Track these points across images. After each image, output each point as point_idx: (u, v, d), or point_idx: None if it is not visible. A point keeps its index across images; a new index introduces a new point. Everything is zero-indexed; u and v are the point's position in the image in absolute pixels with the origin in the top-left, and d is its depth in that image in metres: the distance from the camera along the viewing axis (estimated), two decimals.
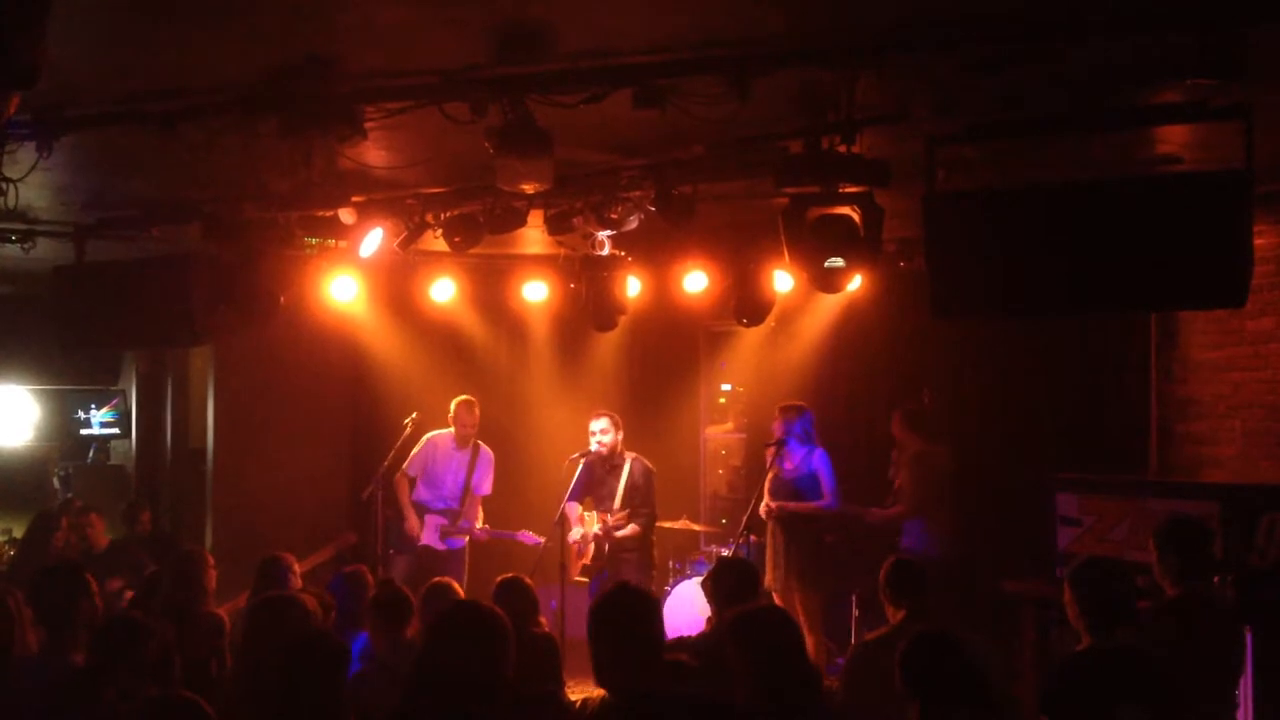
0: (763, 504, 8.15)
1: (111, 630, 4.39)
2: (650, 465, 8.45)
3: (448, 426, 8.72)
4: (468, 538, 8.66)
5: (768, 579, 8.11)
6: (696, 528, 9.56)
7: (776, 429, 8.25)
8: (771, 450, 8.22)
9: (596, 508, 8.41)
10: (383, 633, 5.17)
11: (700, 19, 4.28)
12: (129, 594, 7.17)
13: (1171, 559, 4.78)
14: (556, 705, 4.73)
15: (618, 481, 8.30)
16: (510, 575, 5.47)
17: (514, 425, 10.02)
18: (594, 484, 8.42)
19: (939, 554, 7.59)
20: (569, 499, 8.31)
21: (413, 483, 8.72)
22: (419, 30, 4.32)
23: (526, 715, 4.24)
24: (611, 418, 8.35)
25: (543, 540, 8.06)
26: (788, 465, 8.19)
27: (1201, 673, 4.54)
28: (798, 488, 8.11)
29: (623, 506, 8.24)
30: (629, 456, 8.37)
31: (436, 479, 8.72)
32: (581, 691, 5.24)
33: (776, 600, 7.95)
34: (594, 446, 8.27)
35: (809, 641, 7.48)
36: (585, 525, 8.42)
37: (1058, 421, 8.36)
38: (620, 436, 8.35)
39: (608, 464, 8.35)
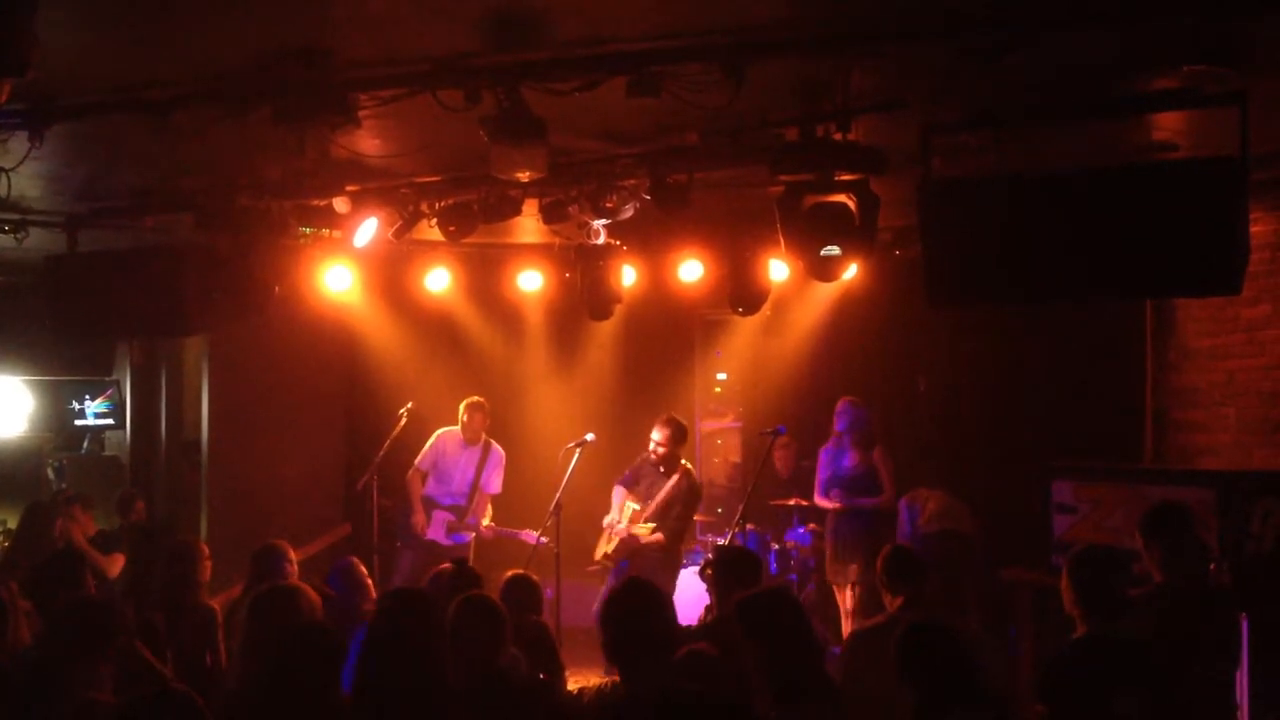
0: (821, 497, 8.38)
1: (64, 619, 4.27)
2: (697, 483, 8.37)
3: (454, 423, 8.73)
4: (473, 534, 8.68)
5: (828, 571, 8.36)
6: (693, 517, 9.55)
7: (843, 419, 8.33)
8: (829, 445, 8.43)
9: (639, 502, 8.27)
10: None
11: (695, 5, 4.26)
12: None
13: (1155, 546, 4.78)
14: (554, 693, 4.74)
15: (660, 490, 8.16)
16: (518, 572, 5.62)
17: (508, 415, 9.97)
18: (641, 478, 8.31)
19: None
20: (619, 484, 8.29)
21: (424, 478, 8.73)
22: (412, 18, 4.30)
23: (523, 702, 4.25)
24: (673, 430, 8.15)
25: (545, 539, 8.06)
26: (846, 463, 8.34)
27: (1194, 659, 4.55)
28: (858, 485, 8.27)
29: (653, 518, 8.12)
30: (680, 470, 8.18)
31: (446, 475, 8.74)
32: (579, 680, 5.25)
33: (836, 592, 8.29)
34: (651, 446, 8.18)
35: (848, 627, 7.81)
36: (622, 515, 8.28)
37: (1053, 409, 8.36)
38: (678, 451, 8.17)
39: (659, 468, 8.22)
